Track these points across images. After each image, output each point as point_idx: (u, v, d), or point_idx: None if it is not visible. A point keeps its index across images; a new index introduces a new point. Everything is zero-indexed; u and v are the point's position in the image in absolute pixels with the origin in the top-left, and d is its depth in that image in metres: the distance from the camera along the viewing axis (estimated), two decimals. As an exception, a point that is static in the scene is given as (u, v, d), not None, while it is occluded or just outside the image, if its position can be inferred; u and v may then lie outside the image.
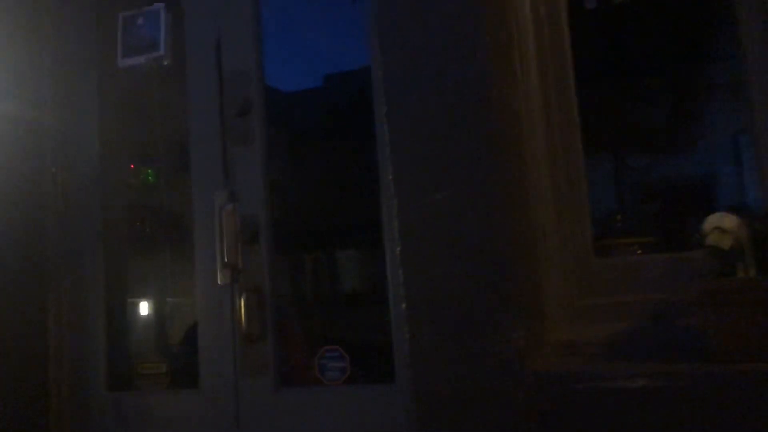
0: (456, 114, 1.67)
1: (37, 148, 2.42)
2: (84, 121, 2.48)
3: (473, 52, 1.66)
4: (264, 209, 2.19)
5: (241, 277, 2.17)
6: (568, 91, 1.97)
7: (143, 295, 2.56)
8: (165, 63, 2.42)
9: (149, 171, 2.93)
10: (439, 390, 1.60)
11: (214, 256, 2.18)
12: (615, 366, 1.57)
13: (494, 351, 1.56)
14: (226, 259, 2.15)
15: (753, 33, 1.82)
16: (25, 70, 2.42)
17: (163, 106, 2.56)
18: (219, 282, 2.18)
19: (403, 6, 1.75)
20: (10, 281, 2.27)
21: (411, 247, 1.68)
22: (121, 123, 2.56)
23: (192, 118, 2.31)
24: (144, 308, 2.51)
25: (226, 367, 2.17)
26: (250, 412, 2.13)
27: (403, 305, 1.66)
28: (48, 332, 2.35)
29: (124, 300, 2.50)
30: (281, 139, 2.26)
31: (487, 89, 1.65)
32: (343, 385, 2.08)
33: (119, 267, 2.50)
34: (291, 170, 2.34)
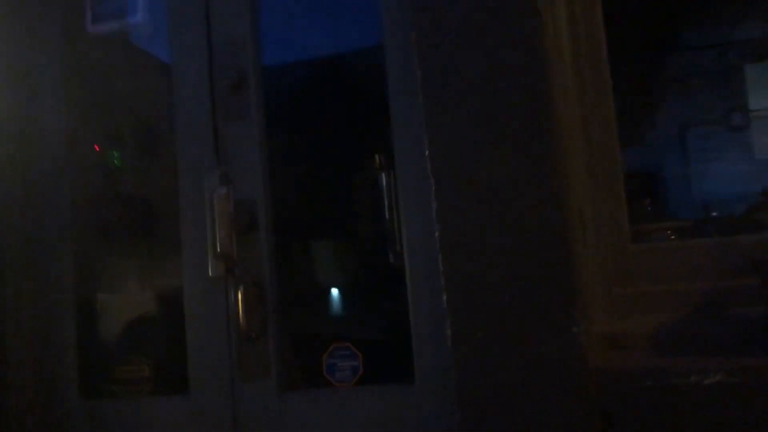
0: (500, 87, 1.50)
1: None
2: (48, 98, 2.19)
3: (520, 20, 1.49)
4: (263, 193, 1.97)
5: (237, 269, 1.94)
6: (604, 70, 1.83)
7: (119, 291, 2.29)
8: (142, 29, 2.16)
9: (115, 153, 2.66)
10: (488, 391, 1.43)
11: (204, 246, 1.94)
12: (683, 361, 1.43)
13: (553, 347, 1.40)
14: (219, 249, 1.91)
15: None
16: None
17: (140, 80, 2.29)
18: (211, 274, 1.94)
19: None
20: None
21: (451, 234, 1.50)
22: (92, 100, 2.28)
23: (177, 91, 2.06)
24: (120, 305, 2.24)
25: (220, 369, 1.94)
26: (250, 420, 1.91)
27: (444, 297, 1.48)
28: (6, 338, 2.06)
29: (96, 297, 2.23)
30: (282, 117, 2.05)
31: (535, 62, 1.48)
32: (355, 387, 1.88)
33: (90, 261, 2.22)
34: (294, 150, 2.13)
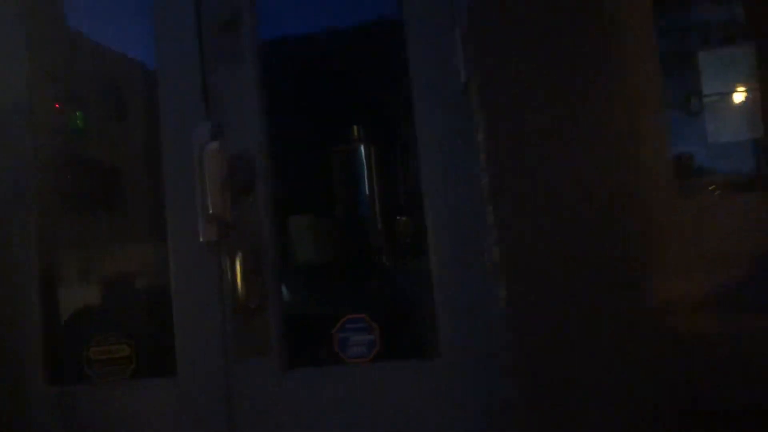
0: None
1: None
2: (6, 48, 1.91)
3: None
4: (260, 147, 1.74)
5: (233, 233, 1.71)
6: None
7: (92, 264, 2.03)
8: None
9: (78, 114, 2.39)
10: (553, 364, 1.24)
11: (193, 208, 1.70)
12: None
13: (626, 313, 1.21)
14: (211, 211, 1.67)
15: None
16: None
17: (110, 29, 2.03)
18: (202, 239, 1.70)
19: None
20: None
21: (507, 201, 1.30)
22: (57, 52, 2.01)
23: (159, 32, 1.81)
24: (94, 279, 1.98)
25: (213, 346, 1.71)
26: (246, 403, 1.69)
27: (491, 262, 1.28)
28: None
29: (65, 271, 1.96)
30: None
31: None
32: (372, 364, 1.67)
33: (56, 229, 1.95)
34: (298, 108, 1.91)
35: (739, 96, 1.83)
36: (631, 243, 1.23)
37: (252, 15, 1.76)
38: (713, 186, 1.74)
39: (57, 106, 2.34)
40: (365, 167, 3.32)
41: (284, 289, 1.82)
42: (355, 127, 3.30)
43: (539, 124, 1.29)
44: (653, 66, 1.65)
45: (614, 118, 1.30)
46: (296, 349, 1.71)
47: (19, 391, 1.78)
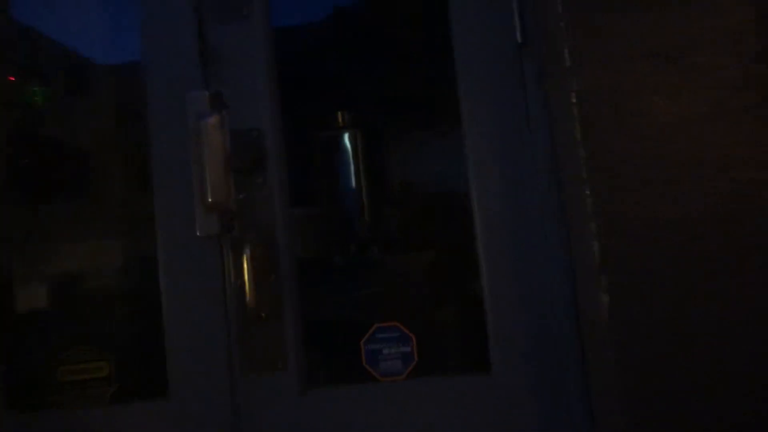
0: None
1: None
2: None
3: None
4: (273, 120, 1.44)
5: (238, 225, 1.41)
6: None
7: (59, 264, 1.69)
8: None
9: (36, 90, 2.05)
10: (668, 388, 0.99)
11: (187, 195, 1.40)
12: None
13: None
14: (210, 198, 1.37)
15: None
16: None
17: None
18: (199, 233, 1.40)
19: None
20: None
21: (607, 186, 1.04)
22: None
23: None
24: (62, 283, 1.64)
25: (215, 361, 1.41)
26: (257, 430, 1.39)
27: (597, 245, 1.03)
28: None
29: (22, 271, 1.63)
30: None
31: None
32: (408, 381, 1.40)
33: (11, 224, 1.62)
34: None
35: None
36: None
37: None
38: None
39: (11, 78, 2.01)
40: (351, 155, 3.05)
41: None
42: (340, 113, 3.04)
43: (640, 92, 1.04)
44: None
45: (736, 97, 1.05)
46: (316, 364, 1.43)
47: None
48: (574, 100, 1.06)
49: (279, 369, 1.39)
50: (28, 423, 1.45)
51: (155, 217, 1.45)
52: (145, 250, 1.49)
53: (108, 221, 1.78)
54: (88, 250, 1.75)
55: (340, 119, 2.98)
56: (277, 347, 1.39)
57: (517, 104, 1.37)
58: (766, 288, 0.97)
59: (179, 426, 1.41)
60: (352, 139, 2.90)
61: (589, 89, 1.05)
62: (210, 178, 1.36)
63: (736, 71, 1.04)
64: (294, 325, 1.41)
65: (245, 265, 1.37)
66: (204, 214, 1.38)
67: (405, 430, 1.35)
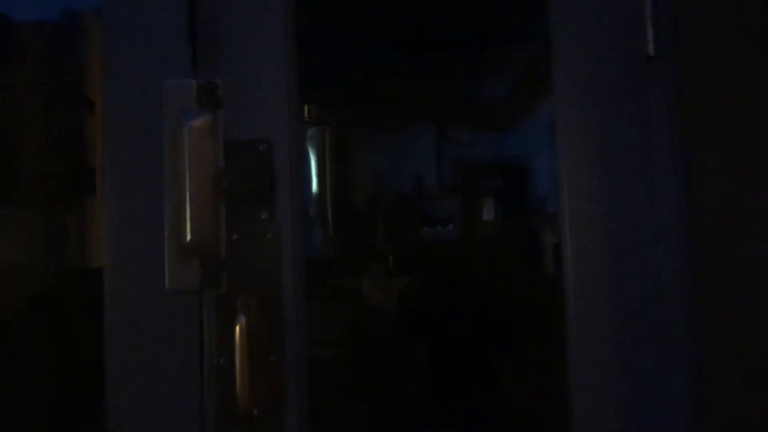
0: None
1: None
2: None
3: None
4: (287, 127, 1.00)
5: (227, 275, 0.96)
6: None
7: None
8: None
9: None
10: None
11: (158, 228, 0.94)
12: None
13: None
14: (189, 236, 0.91)
15: None
16: None
17: None
18: (168, 285, 0.93)
19: None
20: None
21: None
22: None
23: None
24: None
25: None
26: None
27: None
28: None
29: None
30: None
31: None
32: None
33: None
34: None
35: None
36: None
37: None
38: None
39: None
40: (318, 153, 2.79)
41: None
42: (307, 107, 2.78)
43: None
44: None
45: None
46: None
47: None
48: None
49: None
50: None
51: (107, 256, 0.99)
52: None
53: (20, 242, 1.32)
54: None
55: (306, 114, 2.84)
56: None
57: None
58: None
59: None
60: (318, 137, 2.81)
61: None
62: (190, 207, 0.91)
63: None
64: (299, 425, 0.95)
65: (236, 339, 0.92)
66: (177, 258, 0.93)
67: None
